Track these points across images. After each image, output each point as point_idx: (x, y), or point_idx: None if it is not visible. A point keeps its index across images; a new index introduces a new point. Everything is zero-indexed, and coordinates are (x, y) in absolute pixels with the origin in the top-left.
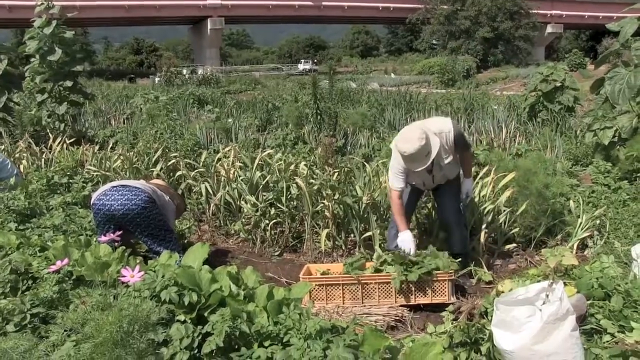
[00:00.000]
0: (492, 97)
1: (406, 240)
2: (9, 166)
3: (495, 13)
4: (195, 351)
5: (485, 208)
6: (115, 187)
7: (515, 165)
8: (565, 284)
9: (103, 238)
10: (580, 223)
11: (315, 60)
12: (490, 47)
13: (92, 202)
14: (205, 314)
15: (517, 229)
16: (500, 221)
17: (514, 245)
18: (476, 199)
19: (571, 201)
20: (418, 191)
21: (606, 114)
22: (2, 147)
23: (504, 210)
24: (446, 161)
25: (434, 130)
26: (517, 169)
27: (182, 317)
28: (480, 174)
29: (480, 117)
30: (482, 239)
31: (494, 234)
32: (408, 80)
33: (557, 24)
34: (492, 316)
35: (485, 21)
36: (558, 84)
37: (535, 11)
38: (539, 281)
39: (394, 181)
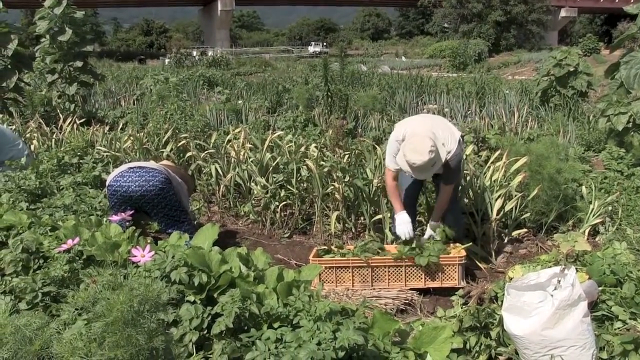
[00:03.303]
0: (503, 82)
1: (403, 221)
2: (20, 146)
3: None
4: (205, 332)
5: (496, 193)
6: (132, 168)
7: (527, 150)
8: (576, 270)
9: (114, 217)
10: (592, 209)
11: (325, 43)
12: (503, 31)
13: (107, 183)
14: (215, 295)
15: (528, 214)
16: (511, 206)
17: (525, 230)
18: (487, 184)
19: (583, 187)
20: None
21: (621, 99)
22: (13, 127)
23: (515, 195)
24: (435, 172)
25: (441, 139)
26: (529, 153)
27: (191, 298)
28: (492, 159)
29: (492, 101)
30: (492, 224)
31: (504, 219)
32: (419, 64)
33: (571, 8)
34: (502, 301)
35: (498, 4)
36: (571, 69)
37: None
38: (550, 267)
39: (390, 162)
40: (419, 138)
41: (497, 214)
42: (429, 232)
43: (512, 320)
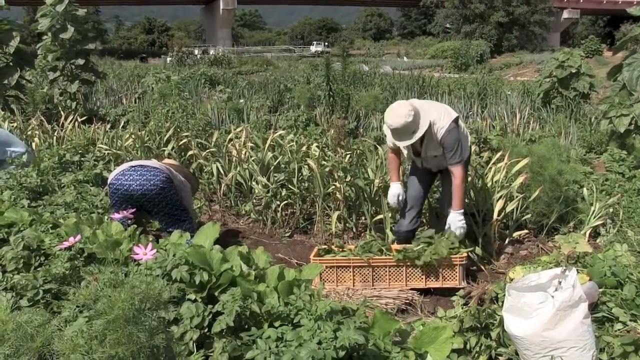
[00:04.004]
0: (505, 83)
1: (393, 193)
2: (15, 147)
3: None
4: (206, 330)
5: (497, 194)
6: (134, 167)
7: (528, 151)
8: (577, 271)
9: (116, 215)
10: (593, 211)
11: (327, 43)
12: (505, 32)
13: (109, 182)
14: (216, 294)
15: (529, 216)
16: (513, 207)
17: (526, 231)
18: (489, 184)
19: (584, 189)
20: (430, 175)
21: (623, 101)
22: (15, 124)
23: (517, 196)
24: (433, 154)
25: (431, 117)
26: (530, 155)
27: (192, 296)
28: (493, 160)
29: (494, 102)
30: (493, 225)
31: (505, 220)
32: (421, 64)
33: (573, 10)
34: (502, 302)
35: (501, 5)
36: (574, 70)
37: None
38: (551, 268)
39: (389, 141)
40: (402, 103)
41: (498, 215)
42: (450, 220)
43: (512, 321)
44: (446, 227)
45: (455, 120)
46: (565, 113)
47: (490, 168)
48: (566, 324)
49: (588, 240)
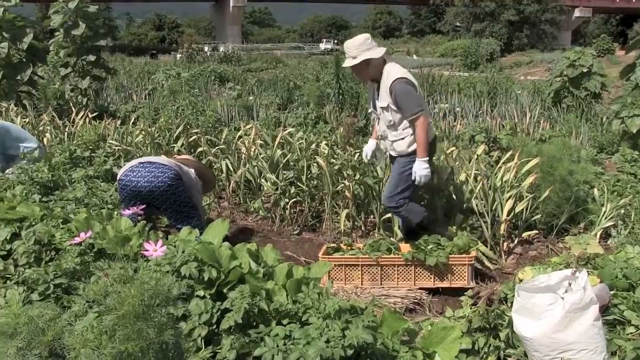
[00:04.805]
0: (515, 82)
1: (365, 148)
2: (27, 143)
3: None
4: (214, 327)
5: (507, 193)
6: (142, 163)
7: (538, 151)
8: (588, 273)
9: (126, 212)
10: (604, 212)
11: (337, 41)
12: (515, 30)
13: (118, 177)
14: (225, 290)
15: (538, 216)
16: (522, 207)
17: (535, 232)
18: (498, 184)
19: (595, 189)
20: None
21: (635, 101)
22: (27, 120)
23: (526, 196)
24: (383, 104)
25: (392, 70)
26: (540, 154)
27: (201, 293)
28: (503, 159)
29: (504, 101)
30: (502, 225)
31: (515, 220)
32: (430, 63)
33: (585, 8)
34: (511, 302)
35: (511, 4)
36: (585, 70)
37: None
38: (561, 269)
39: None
40: (366, 36)
41: (508, 215)
42: (415, 168)
43: (521, 322)
44: (413, 177)
45: (405, 79)
46: (576, 113)
47: (500, 167)
48: (576, 326)
49: (599, 242)
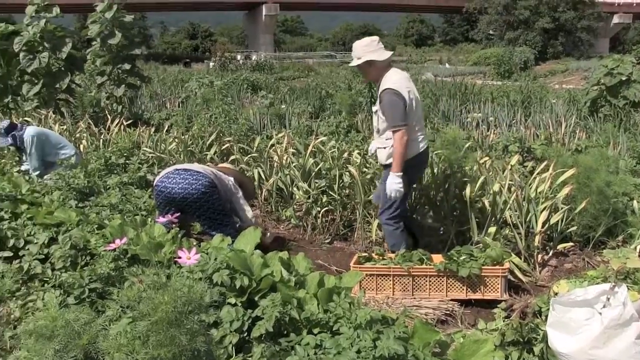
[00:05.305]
0: (550, 91)
1: (373, 143)
2: (66, 149)
3: (557, 3)
4: (245, 334)
5: (541, 205)
6: (178, 170)
7: (574, 162)
8: (627, 288)
9: (161, 219)
10: None
11: None
12: (550, 38)
13: (154, 183)
14: (256, 298)
15: (574, 228)
16: (557, 219)
17: (571, 244)
18: (532, 195)
19: (635, 201)
20: None
21: None
22: (64, 127)
23: (562, 208)
24: (375, 107)
25: (389, 77)
26: (576, 165)
27: (233, 300)
28: (538, 170)
29: (538, 110)
30: (537, 237)
31: (549, 231)
32: (463, 71)
33: (625, 14)
34: (546, 316)
35: (546, 11)
36: (624, 78)
37: (602, 0)
38: (598, 283)
39: None
40: (374, 38)
41: (542, 227)
42: (388, 182)
43: (557, 336)
44: (387, 192)
45: (397, 92)
46: (614, 122)
47: (534, 178)
48: (617, 343)
49: (638, 255)
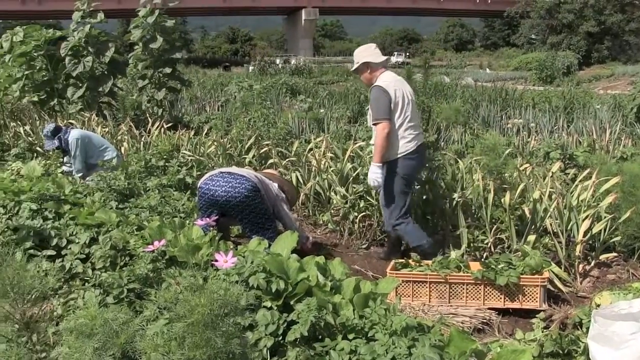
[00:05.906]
0: (594, 96)
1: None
2: (108, 151)
3: (603, 5)
4: (280, 338)
5: (583, 213)
6: (222, 173)
7: (619, 170)
8: None
9: (199, 222)
10: None
11: (408, 53)
12: (595, 42)
13: (198, 185)
14: (291, 302)
15: (618, 238)
16: (600, 228)
17: (614, 254)
18: (574, 203)
19: None
20: None
21: None
22: (107, 129)
23: (605, 217)
24: (366, 108)
25: (380, 77)
26: (621, 173)
27: (268, 304)
28: (580, 177)
29: (581, 116)
30: (578, 246)
31: (592, 241)
32: (504, 76)
33: None
34: (587, 328)
35: (591, 14)
36: None
37: None
38: None
39: None
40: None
41: (584, 236)
42: (369, 171)
43: (599, 350)
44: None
45: (385, 90)
46: None
47: (577, 186)
48: None
49: None
